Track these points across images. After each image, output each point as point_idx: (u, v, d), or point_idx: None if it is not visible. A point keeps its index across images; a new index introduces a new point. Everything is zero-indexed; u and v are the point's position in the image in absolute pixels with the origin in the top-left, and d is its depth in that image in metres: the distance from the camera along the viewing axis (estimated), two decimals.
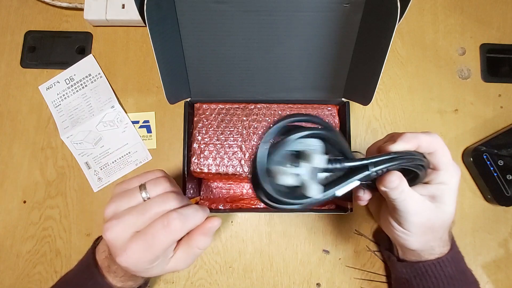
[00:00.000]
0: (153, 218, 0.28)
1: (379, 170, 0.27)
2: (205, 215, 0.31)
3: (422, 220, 0.32)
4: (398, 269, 0.39)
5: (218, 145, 0.44)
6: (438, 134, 0.31)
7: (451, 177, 0.32)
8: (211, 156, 0.43)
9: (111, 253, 0.30)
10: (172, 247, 0.30)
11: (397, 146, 0.30)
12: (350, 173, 0.26)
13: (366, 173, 0.26)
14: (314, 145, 0.23)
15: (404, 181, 0.29)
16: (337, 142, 0.24)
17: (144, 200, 0.29)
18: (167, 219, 0.28)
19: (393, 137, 0.31)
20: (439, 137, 0.31)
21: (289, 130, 0.22)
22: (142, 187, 0.30)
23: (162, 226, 0.27)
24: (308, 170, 0.22)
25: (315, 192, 0.23)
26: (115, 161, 0.48)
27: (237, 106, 0.45)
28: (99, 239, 0.36)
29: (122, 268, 0.29)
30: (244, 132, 0.44)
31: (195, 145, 0.44)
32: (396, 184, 0.29)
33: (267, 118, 0.44)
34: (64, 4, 0.50)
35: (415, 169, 0.29)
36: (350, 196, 0.40)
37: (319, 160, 0.23)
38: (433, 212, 0.32)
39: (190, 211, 0.29)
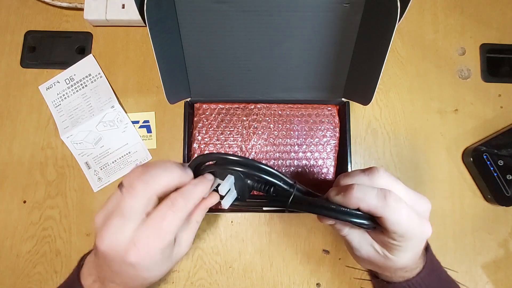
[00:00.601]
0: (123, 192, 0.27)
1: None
2: (205, 186, 0.29)
3: (368, 261, 0.29)
4: None
5: (218, 145, 0.44)
6: (391, 196, 0.25)
7: (408, 244, 0.26)
8: None
9: (100, 275, 0.28)
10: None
11: (336, 198, 0.27)
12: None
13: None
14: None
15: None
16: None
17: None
18: (170, 200, 0.27)
19: (339, 185, 0.28)
20: (391, 201, 0.25)
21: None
22: (120, 185, 0.28)
23: (167, 208, 0.27)
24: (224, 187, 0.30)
25: (225, 202, 0.30)
26: (115, 161, 0.48)
27: (237, 106, 0.45)
28: (81, 261, 0.33)
29: (126, 277, 0.27)
30: (244, 132, 0.44)
31: (195, 145, 0.44)
32: (331, 222, 0.28)
33: (267, 118, 0.44)
34: (64, 4, 0.50)
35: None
36: None
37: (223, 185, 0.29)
38: (379, 260, 0.28)
39: (190, 188, 0.28)
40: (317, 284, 0.46)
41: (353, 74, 0.41)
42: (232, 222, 0.47)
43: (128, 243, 0.26)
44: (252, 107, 0.45)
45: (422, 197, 0.28)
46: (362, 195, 0.25)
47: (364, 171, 0.28)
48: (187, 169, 0.30)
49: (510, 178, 0.46)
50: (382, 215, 0.25)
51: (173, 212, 0.26)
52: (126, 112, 0.49)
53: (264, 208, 0.32)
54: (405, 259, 0.28)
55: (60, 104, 0.49)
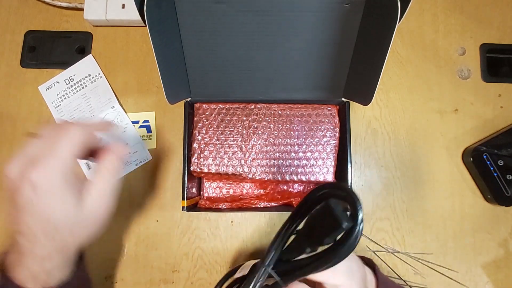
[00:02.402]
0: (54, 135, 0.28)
1: None
2: (105, 125, 0.31)
3: None
4: None
5: (218, 145, 0.44)
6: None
7: None
8: (211, 156, 0.43)
9: (10, 231, 0.27)
10: (84, 187, 0.28)
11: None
12: None
13: None
14: None
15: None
16: None
17: None
18: (62, 124, 0.28)
19: None
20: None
21: None
22: (31, 134, 0.29)
23: (59, 129, 0.27)
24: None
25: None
26: None
27: (237, 106, 0.45)
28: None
29: (29, 211, 0.26)
30: (244, 132, 0.44)
31: (195, 145, 0.44)
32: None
33: (267, 118, 0.44)
34: (64, 4, 0.50)
35: None
36: None
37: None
38: None
39: (87, 121, 0.29)
40: None
41: (353, 74, 0.41)
42: (232, 222, 0.47)
43: (25, 167, 0.26)
44: (252, 107, 0.45)
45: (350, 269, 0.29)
46: None
47: None
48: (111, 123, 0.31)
49: (510, 178, 0.46)
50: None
51: (63, 133, 0.27)
52: (126, 112, 0.49)
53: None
54: None
55: (60, 105, 0.49)
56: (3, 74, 0.50)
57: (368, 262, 0.38)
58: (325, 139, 0.44)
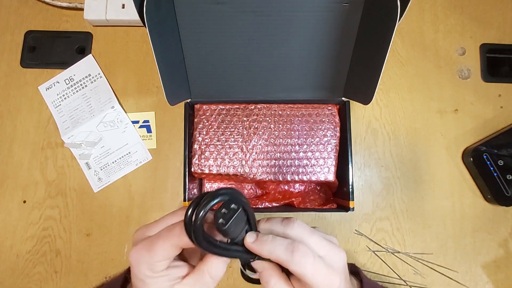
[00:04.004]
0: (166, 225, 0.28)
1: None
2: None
3: None
4: None
5: (219, 146, 0.43)
6: (299, 248, 0.26)
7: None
8: (212, 157, 0.43)
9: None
10: (180, 271, 0.29)
11: (251, 245, 0.27)
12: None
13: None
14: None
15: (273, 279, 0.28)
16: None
17: None
18: (173, 224, 0.27)
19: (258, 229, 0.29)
20: (297, 252, 0.26)
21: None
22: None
23: (166, 230, 0.27)
24: None
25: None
26: (115, 161, 0.48)
27: (237, 106, 0.45)
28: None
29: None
30: (245, 132, 0.44)
31: (195, 146, 0.44)
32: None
33: (268, 118, 0.44)
34: (64, 4, 0.50)
35: None
36: (350, 195, 0.40)
37: None
38: None
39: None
40: None
41: (354, 73, 0.41)
42: None
43: (134, 243, 0.28)
44: (253, 107, 0.45)
45: (335, 248, 0.29)
46: (272, 249, 0.27)
47: (282, 220, 0.29)
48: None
49: (510, 178, 0.46)
50: (289, 268, 0.27)
51: (167, 235, 0.27)
52: (126, 112, 0.49)
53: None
54: None
55: (60, 105, 0.49)
56: (3, 74, 0.50)
57: (351, 268, 0.38)
58: (325, 139, 0.44)
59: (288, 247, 0.27)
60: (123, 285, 0.34)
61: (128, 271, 0.33)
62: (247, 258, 0.28)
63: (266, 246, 0.27)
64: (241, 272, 0.30)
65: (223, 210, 0.25)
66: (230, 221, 0.24)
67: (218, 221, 0.24)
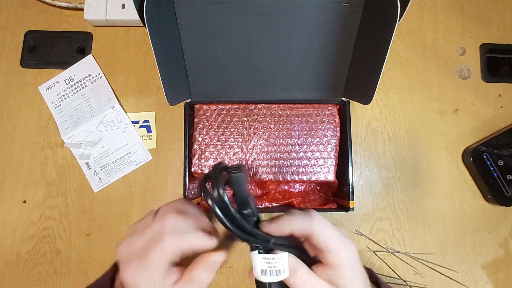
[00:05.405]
0: (151, 237, 0.28)
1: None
2: (209, 242, 0.29)
3: None
4: None
5: (219, 146, 0.43)
6: (315, 214, 0.28)
7: (341, 258, 0.27)
8: (212, 157, 0.43)
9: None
10: (172, 276, 0.28)
11: (270, 227, 0.28)
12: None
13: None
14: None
15: (301, 269, 0.28)
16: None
17: None
18: (160, 234, 0.27)
19: (275, 220, 0.29)
20: (315, 217, 0.28)
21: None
22: (155, 212, 0.30)
23: (154, 242, 0.27)
24: None
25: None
26: (115, 161, 0.48)
27: (237, 106, 0.45)
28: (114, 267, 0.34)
29: None
30: (245, 132, 0.44)
31: (195, 146, 0.44)
32: (293, 273, 0.28)
33: (268, 118, 0.44)
34: (64, 4, 0.50)
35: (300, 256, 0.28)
36: (350, 195, 0.40)
37: None
38: None
39: (190, 232, 0.28)
40: None
41: (354, 73, 0.41)
42: None
43: (123, 262, 0.28)
44: (253, 107, 0.45)
45: (348, 241, 0.29)
46: (291, 219, 0.28)
47: (301, 210, 0.30)
48: (213, 238, 0.30)
49: (510, 178, 0.46)
50: (311, 231, 0.27)
51: (157, 249, 0.27)
52: (126, 112, 0.49)
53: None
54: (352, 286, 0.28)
55: (60, 105, 0.49)
56: (3, 74, 0.50)
57: (369, 272, 0.37)
58: (325, 139, 0.44)
59: (306, 214, 0.28)
60: (112, 280, 0.33)
61: (116, 267, 0.33)
62: (267, 238, 0.27)
63: (285, 221, 0.27)
64: (256, 282, 0.28)
65: (232, 171, 0.26)
66: (243, 171, 0.26)
67: (232, 172, 0.26)
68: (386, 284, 0.34)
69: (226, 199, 0.25)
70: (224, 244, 0.30)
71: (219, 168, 0.27)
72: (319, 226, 0.27)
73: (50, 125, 0.49)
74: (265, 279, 0.27)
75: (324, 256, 0.28)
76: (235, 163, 0.26)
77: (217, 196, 0.25)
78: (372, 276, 0.34)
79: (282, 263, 0.27)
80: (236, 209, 0.26)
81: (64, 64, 0.50)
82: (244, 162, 0.31)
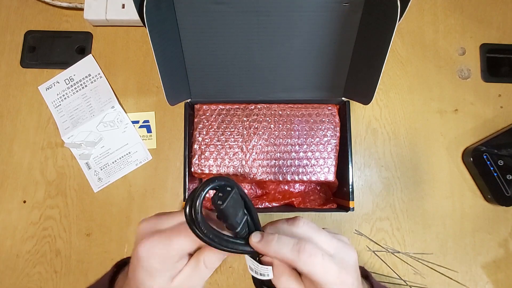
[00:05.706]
0: (182, 221, 0.28)
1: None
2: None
3: None
4: None
5: (219, 146, 0.43)
6: (307, 246, 0.26)
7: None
8: (212, 157, 0.43)
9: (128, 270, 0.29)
10: (183, 261, 0.28)
11: (256, 245, 0.27)
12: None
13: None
14: None
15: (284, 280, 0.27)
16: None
17: None
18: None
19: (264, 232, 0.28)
20: (306, 249, 0.25)
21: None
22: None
23: (184, 226, 0.26)
24: None
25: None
26: (115, 161, 0.48)
27: (237, 106, 0.45)
28: (115, 268, 0.34)
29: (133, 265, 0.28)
30: (245, 132, 0.44)
31: (195, 146, 0.44)
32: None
33: (268, 118, 0.44)
34: (64, 4, 0.50)
35: None
36: (350, 195, 0.40)
37: None
38: None
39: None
40: None
41: (354, 73, 0.41)
42: None
43: (144, 236, 0.27)
44: (253, 107, 0.45)
45: (346, 247, 0.28)
46: (278, 249, 0.26)
47: (287, 220, 0.29)
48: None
49: (510, 178, 0.46)
50: (297, 269, 0.26)
51: (187, 233, 0.26)
52: (126, 112, 0.49)
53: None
54: None
55: (60, 105, 0.49)
56: (3, 74, 0.50)
57: (361, 271, 0.37)
58: (325, 139, 0.44)
59: (295, 246, 0.26)
60: (111, 282, 0.32)
61: (116, 268, 0.33)
62: (254, 255, 0.27)
63: (271, 246, 0.26)
64: (253, 278, 0.29)
65: (219, 194, 0.25)
66: (227, 201, 0.24)
67: (216, 202, 0.24)
68: (377, 281, 0.34)
69: (199, 218, 0.24)
70: None
71: (202, 187, 0.25)
72: (306, 267, 0.25)
73: (50, 125, 0.49)
74: (253, 274, 0.28)
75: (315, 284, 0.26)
76: (222, 181, 0.25)
77: (192, 217, 0.24)
78: (364, 271, 0.34)
79: (267, 271, 0.27)
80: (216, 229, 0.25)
81: (64, 64, 0.50)
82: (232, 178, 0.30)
